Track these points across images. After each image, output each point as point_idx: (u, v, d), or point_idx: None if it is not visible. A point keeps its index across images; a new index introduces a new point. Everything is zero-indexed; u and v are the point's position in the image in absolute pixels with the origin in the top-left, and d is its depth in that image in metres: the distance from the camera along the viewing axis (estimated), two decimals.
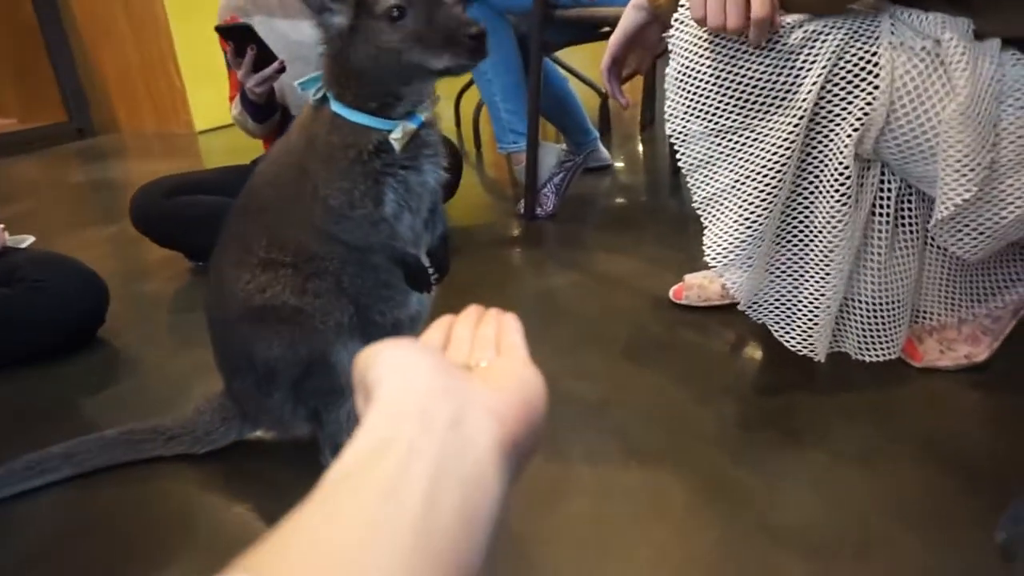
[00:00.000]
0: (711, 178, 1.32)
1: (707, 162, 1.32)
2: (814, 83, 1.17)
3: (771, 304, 1.38)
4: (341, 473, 0.35)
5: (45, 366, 1.74)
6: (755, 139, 1.24)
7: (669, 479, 1.17)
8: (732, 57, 1.20)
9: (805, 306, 1.33)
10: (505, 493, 0.38)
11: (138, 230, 2.26)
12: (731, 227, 1.30)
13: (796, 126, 1.19)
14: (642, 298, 1.84)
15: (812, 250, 1.30)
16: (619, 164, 3.22)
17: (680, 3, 1.24)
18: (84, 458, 1.25)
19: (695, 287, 1.77)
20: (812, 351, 1.34)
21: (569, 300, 1.90)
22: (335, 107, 1.07)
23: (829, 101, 1.19)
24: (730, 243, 1.30)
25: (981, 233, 1.18)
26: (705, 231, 1.34)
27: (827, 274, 1.29)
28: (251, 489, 1.24)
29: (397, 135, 1.06)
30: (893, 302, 1.33)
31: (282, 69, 2.02)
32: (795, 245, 1.31)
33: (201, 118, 5.05)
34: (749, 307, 1.38)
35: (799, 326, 1.35)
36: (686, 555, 1.02)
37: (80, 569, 1.10)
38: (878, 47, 1.15)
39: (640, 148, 3.58)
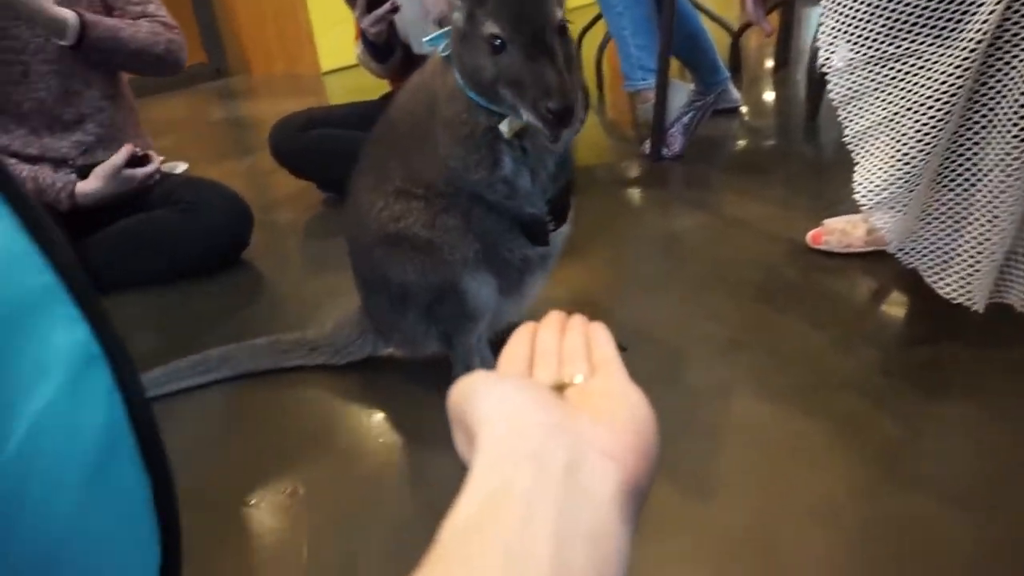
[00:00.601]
0: (866, 111, 1.23)
1: (863, 93, 1.23)
2: (998, 1, 1.05)
3: (926, 249, 1.28)
4: (458, 529, 0.33)
5: (199, 281, 1.88)
6: (921, 67, 1.14)
7: (803, 420, 1.14)
8: None
9: (966, 252, 1.23)
10: (630, 543, 0.35)
11: (276, 161, 2.37)
12: (886, 164, 1.21)
13: (972, 51, 1.08)
14: (775, 242, 1.77)
15: (978, 191, 1.19)
16: (748, 106, 3.07)
17: None
18: (238, 362, 1.36)
19: (836, 232, 1.67)
20: (970, 300, 1.25)
21: (696, 242, 1.85)
22: (456, 75, 1.05)
23: (1016, 23, 1.07)
24: (883, 181, 1.21)
25: None
26: (856, 168, 1.26)
27: (994, 217, 1.18)
28: (387, 401, 1.30)
29: (504, 128, 1.03)
30: None
31: (395, 9, 2.03)
32: (959, 185, 1.21)
33: (326, 59, 5.20)
34: (900, 251, 1.29)
35: (957, 273, 1.25)
36: (820, 494, 0.99)
37: (238, 460, 1.20)
38: None
39: (772, 90, 3.39)
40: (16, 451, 0.54)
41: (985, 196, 1.18)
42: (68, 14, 1.72)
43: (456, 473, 0.37)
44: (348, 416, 1.29)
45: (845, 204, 1.59)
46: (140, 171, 1.87)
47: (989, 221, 1.18)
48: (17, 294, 0.55)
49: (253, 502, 1.08)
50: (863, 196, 1.24)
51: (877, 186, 1.20)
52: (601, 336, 0.51)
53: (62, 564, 0.58)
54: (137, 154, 1.87)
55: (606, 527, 0.33)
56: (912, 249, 1.29)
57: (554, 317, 0.55)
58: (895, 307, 1.48)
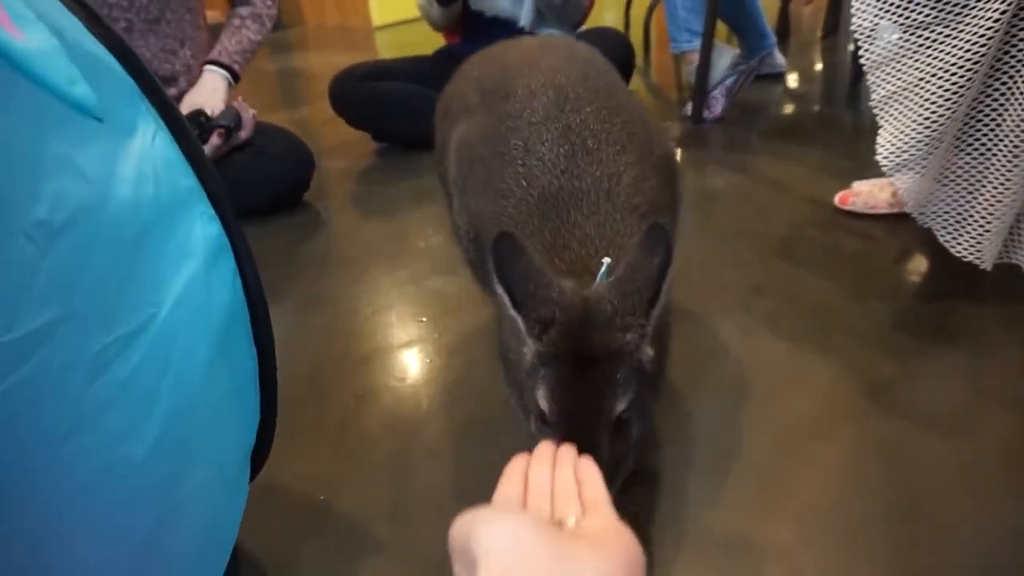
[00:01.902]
0: (894, 76, 1.31)
1: (892, 59, 1.31)
2: None
3: (941, 210, 1.37)
4: None
5: (261, 221, 2.05)
6: (948, 34, 1.22)
7: (812, 360, 1.25)
8: None
9: (979, 214, 1.32)
10: None
11: (335, 109, 2.51)
12: (909, 127, 1.30)
13: (996, 21, 1.16)
14: (804, 202, 1.86)
15: (995, 156, 1.27)
16: (794, 72, 3.10)
17: None
18: None
19: (863, 194, 1.76)
20: (979, 259, 1.34)
21: (729, 200, 1.95)
22: None
23: None
24: (906, 143, 1.30)
25: None
26: (879, 131, 1.35)
27: (1007, 181, 1.27)
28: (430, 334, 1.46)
29: None
30: None
31: None
32: (976, 150, 1.29)
33: (378, 14, 5.30)
34: (917, 211, 1.38)
35: (969, 234, 1.34)
36: (822, 422, 1.12)
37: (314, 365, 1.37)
38: None
39: (818, 57, 3.41)
40: (168, 314, 0.70)
41: (1000, 161, 1.26)
42: (223, 89, 1.96)
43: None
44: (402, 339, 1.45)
45: (875, 168, 1.68)
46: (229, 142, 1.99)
47: (1003, 184, 1.27)
48: (173, 191, 0.71)
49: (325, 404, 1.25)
50: (885, 158, 1.33)
51: (899, 148, 1.29)
52: (591, 474, 0.55)
53: (193, 417, 0.74)
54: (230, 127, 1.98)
55: None
56: (928, 210, 1.39)
57: (545, 452, 0.59)
58: (910, 266, 1.57)
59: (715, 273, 1.54)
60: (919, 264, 1.57)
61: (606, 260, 0.77)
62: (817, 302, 1.42)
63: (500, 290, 0.73)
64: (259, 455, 0.89)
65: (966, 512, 0.95)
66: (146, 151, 0.71)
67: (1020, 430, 1.08)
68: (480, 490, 1.08)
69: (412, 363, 1.34)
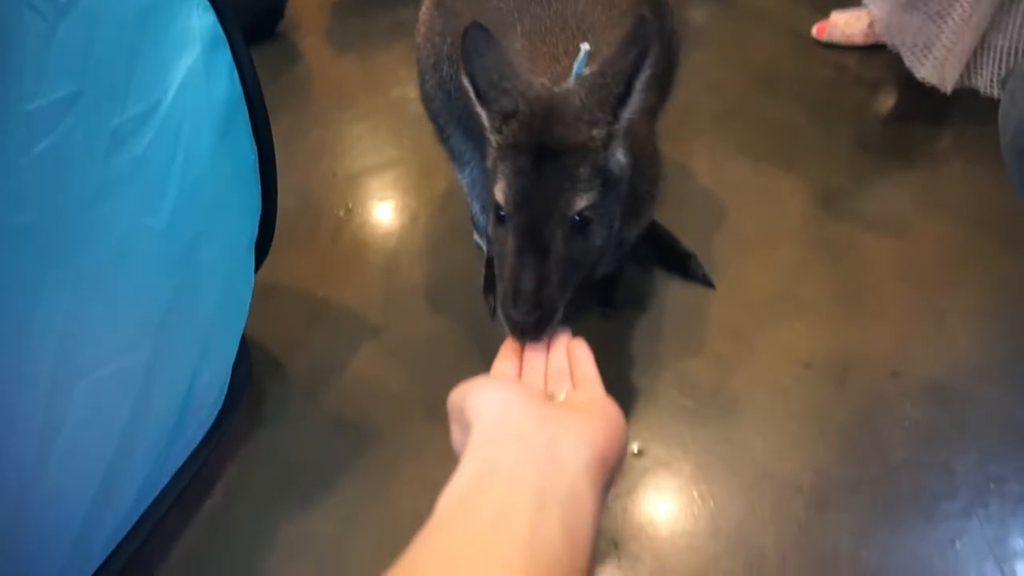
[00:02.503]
0: None
1: None
2: None
3: (911, 35, 1.41)
4: (455, 496, 0.39)
5: None
6: None
7: (776, 177, 1.34)
8: None
9: (946, 37, 1.36)
10: (600, 507, 0.41)
11: None
12: None
13: None
14: (783, 33, 1.87)
15: None
16: None
17: None
18: None
19: (839, 25, 1.77)
20: (941, 83, 1.40)
21: (708, 29, 1.95)
22: None
23: None
24: None
25: None
26: None
27: (972, 13, 1.30)
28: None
29: None
30: None
31: None
32: None
33: None
34: (888, 37, 1.43)
35: (935, 57, 1.39)
36: (779, 228, 1.22)
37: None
38: None
39: None
40: (173, 99, 0.75)
41: None
42: None
43: None
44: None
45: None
46: None
47: (968, 11, 1.31)
48: None
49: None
50: None
51: None
52: (582, 354, 0.56)
53: (202, 197, 0.81)
54: None
55: (578, 492, 0.39)
56: (898, 36, 1.43)
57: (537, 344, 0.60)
58: (878, 94, 1.62)
59: (692, 97, 1.58)
60: (886, 91, 1.62)
61: (584, 46, 0.73)
62: (786, 125, 1.49)
63: (466, 83, 0.72)
64: (261, 247, 0.97)
65: (900, 298, 1.08)
66: None
67: (957, 235, 1.19)
68: (461, 284, 1.18)
69: (398, 180, 1.41)
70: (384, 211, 1.33)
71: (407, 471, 0.90)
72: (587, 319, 1.07)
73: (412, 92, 1.69)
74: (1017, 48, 1.35)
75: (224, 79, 0.82)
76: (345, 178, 1.41)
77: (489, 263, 1.15)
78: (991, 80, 1.41)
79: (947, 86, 1.40)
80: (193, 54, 0.78)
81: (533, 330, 0.62)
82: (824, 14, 1.85)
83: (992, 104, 1.43)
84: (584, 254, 0.73)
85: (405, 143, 1.48)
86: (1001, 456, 0.86)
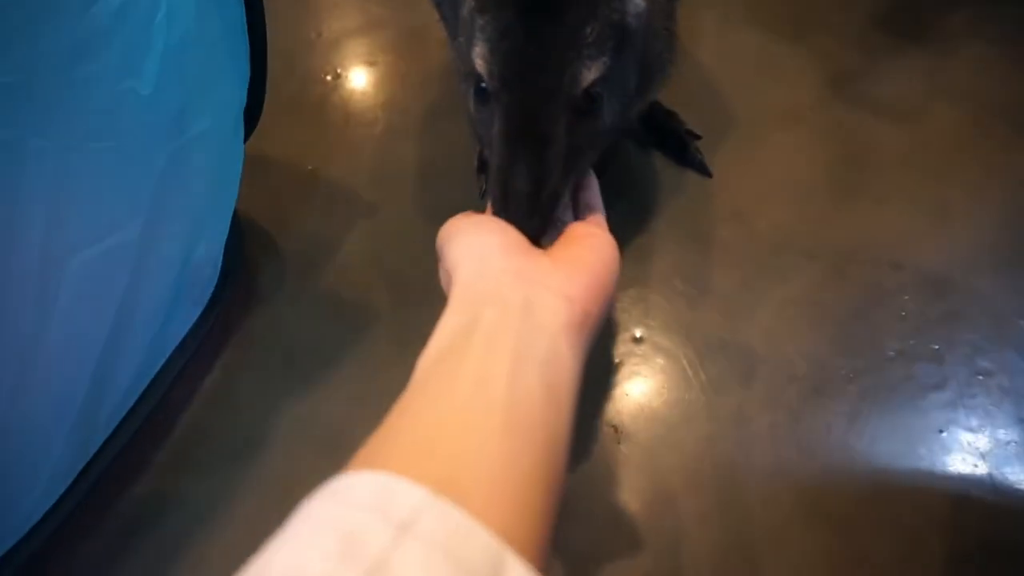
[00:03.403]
0: None
1: None
2: None
3: None
4: (434, 358, 0.39)
5: None
6: None
7: (782, 49, 1.27)
8: None
9: None
10: (582, 363, 0.41)
11: None
12: None
13: None
14: None
15: None
16: None
17: None
18: None
19: None
20: None
21: None
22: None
23: None
24: None
25: None
26: None
27: None
28: None
29: None
30: None
31: None
32: None
33: None
34: None
35: None
36: (787, 110, 1.17)
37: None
38: None
39: None
40: None
41: None
42: None
43: None
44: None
45: None
46: None
47: None
48: None
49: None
50: None
51: None
52: (588, 182, 0.56)
53: (190, 58, 0.74)
54: None
55: (556, 353, 0.39)
56: None
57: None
58: None
59: None
60: None
61: None
62: None
63: None
64: (251, 113, 0.91)
65: (905, 185, 1.06)
66: None
67: (965, 121, 1.16)
68: (454, 160, 1.13)
69: (387, 41, 1.31)
70: (374, 76, 1.25)
71: (408, 350, 0.89)
72: None
73: None
74: None
75: None
76: (330, 39, 1.30)
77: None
78: None
79: None
80: None
81: (531, 237, 0.51)
82: None
83: None
84: (592, 139, 0.58)
85: (394, 1, 1.36)
86: (990, 350, 0.88)
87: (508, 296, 0.41)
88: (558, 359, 0.39)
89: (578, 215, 0.57)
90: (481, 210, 0.56)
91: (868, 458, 0.81)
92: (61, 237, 0.66)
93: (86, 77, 0.64)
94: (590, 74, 0.54)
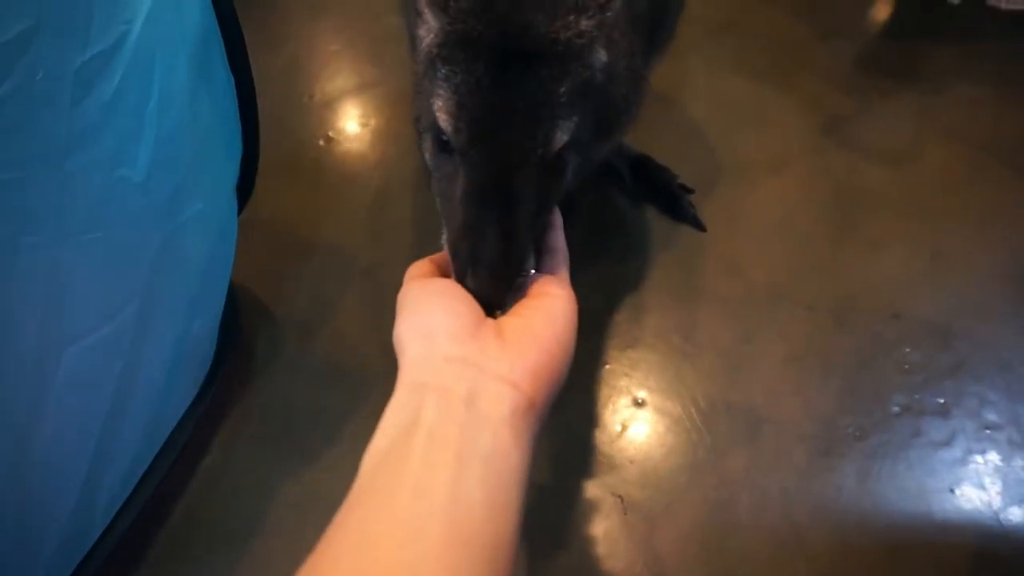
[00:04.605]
0: None
1: None
2: None
3: None
4: (377, 459, 0.39)
5: None
6: None
7: (775, 96, 1.28)
8: None
9: None
10: (529, 450, 0.41)
11: None
12: None
13: None
14: None
15: None
16: None
17: None
18: None
19: None
20: None
21: None
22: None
23: None
24: None
25: None
26: None
27: None
28: None
29: None
30: None
31: None
32: None
33: None
34: None
35: None
36: (779, 155, 1.18)
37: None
38: None
39: None
40: (141, 31, 0.67)
41: None
42: None
43: None
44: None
45: None
46: None
47: None
48: None
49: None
50: None
51: None
52: (554, 223, 0.55)
53: (182, 142, 0.73)
54: None
55: (501, 447, 0.39)
56: None
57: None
58: (876, 5, 1.55)
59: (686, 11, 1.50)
60: (882, 3, 1.55)
61: None
62: (783, 39, 1.42)
63: None
64: (243, 188, 0.90)
65: (900, 231, 1.06)
66: None
67: (958, 162, 1.16)
68: None
69: (378, 104, 1.32)
70: (367, 138, 1.25)
71: None
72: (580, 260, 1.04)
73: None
74: None
75: (195, 8, 0.73)
76: (322, 101, 1.31)
77: None
78: None
79: None
80: None
81: (499, 300, 0.50)
82: None
83: (997, 18, 1.39)
84: (556, 193, 0.55)
85: (386, 61, 1.37)
86: (997, 402, 0.88)
87: (452, 386, 0.41)
88: (501, 452, 0.39)
89: (539, 260, 0.54)
90: None
91: (880, 520, 0.79)
92: (56, 330, 0.65)
93: (78, 169, 0.64)
94: (563, 135, 0.52)
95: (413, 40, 0.91)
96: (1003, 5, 1.36)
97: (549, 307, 0.47)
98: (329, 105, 1.30)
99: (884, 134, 1.22)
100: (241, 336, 0.96)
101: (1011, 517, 0.79)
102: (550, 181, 0.53)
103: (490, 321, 0.47)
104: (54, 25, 0.60)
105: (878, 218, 1.09)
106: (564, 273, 0.52)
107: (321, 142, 1.23)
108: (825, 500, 0.81)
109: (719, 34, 1.43)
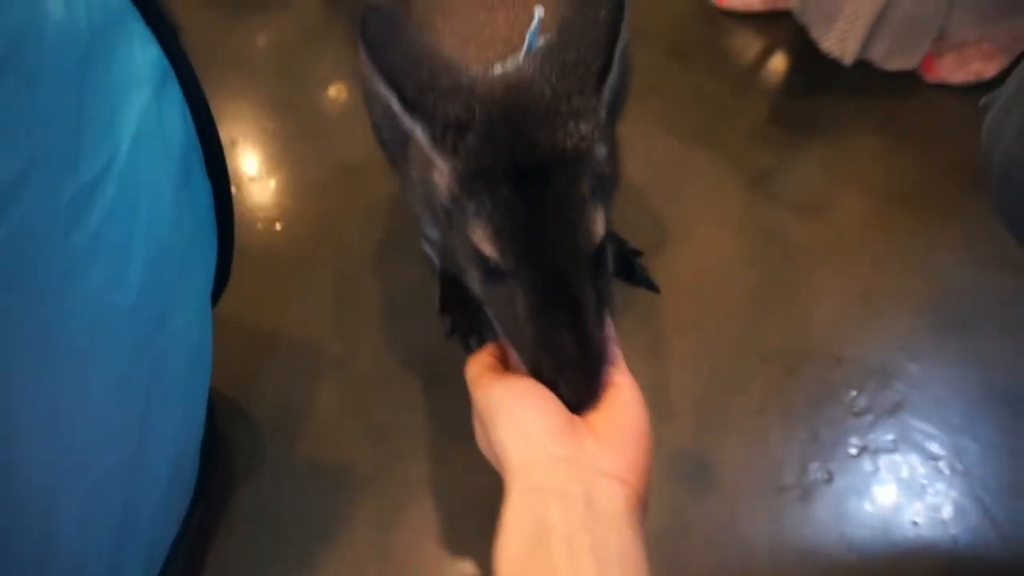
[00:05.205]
0: None
1: None
2: None
3: (817, 8, 1.48)
4: (517, 559, 0.41)
5: None
6: None
7: (701, 156, 1.38)
8: None
9: (848, 12, 1.43)
10: (643, 545, 0.42)
11: None
12: None
13: None
14: (684, 2, 1.89)
15: None
16: None
17: None
18: None
19: None
20: (842, 55, 1.48)
21: None
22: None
23: None
24: None
25: None
26: None
27: None
28: None
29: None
30: (926, 16, 1.44)
31: None
32: None
33: None
34: (798, 10, 1.48)
35: (837, 32, 1.46)
36: (713, 212, 1.27)
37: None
38: None
39: None
40: (127, 154, 0.66)
41: None
42: None
43: None
44: None
45: None
46: None
47: None
48: (105, 10, 0.63)
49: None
50: None
51: None
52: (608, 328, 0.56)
53: (169, 260, 0.73)
54: None
55: (627, 544, 0.41)
56: (806, 8, 1.49)
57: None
58: (782, 63, 1.69)
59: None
60: (791, 61, 1.69)
61: (538, 10, 0.57)
62: (703, 100, 1.52)
63: (384, 88, 0.52)
64: (217, 289, 0.89)
65: (830, 280, 1.17)
66: None
67: (868, 211, 1.29)
68: (415, 297, 1.12)
69: (324, 183, 1.32)
70: (316, 220, 1.25)
71: (409, 512, 0.89)
72: None
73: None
74: (913, 17, 1.44)
75: (177, 119, 0.73)
76: (264, 184, 1.30)
77: (444, 278, 1.11)
78: (884, 53, 1.52)
79: (848, 59, 1.49)
80: (142, 98, 0.68)
81: (593, 400, 0.50)
82: None
83: (886, 76, 1.55)
84: (606, 283, 0.57)
85: (328, 136, 1.37)
86: (937, 435, 0.97)
87: (567, 488, 0.42)
88: (629, 549, 0.41)
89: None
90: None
91: (854, 559, 0.87)
92: (63, 468, 0.62)
93: (71, 302, 0.62)
94: (601, 228, 0.54)
95: (378, 128, 0.94)
96: (887, 65, 1.52)
97: (626, 400, 0.49)
98: (272, 188, 1.29)
99: (801, 186, 1.34)
100: (220, 440, 0.93)
101: (966, 540, 0.88)
102: (599, 273, 0.55)
103: (578, 418, 0.48)
104: (47, 162, 0.59)
105: (810, 268, 1.19)
106: (623, 361, 0.53)
107: (277, 226, 1.22)
108: (807, 547, 0.87)
109: (646, 98, 1.52)
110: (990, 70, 1.51)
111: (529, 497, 0.43)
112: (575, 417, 0.48)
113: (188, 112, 0.74)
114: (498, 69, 0.57)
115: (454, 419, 0.99)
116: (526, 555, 0.41)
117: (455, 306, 1.09)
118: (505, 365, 0.57)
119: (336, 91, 1.49)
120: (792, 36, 1.63)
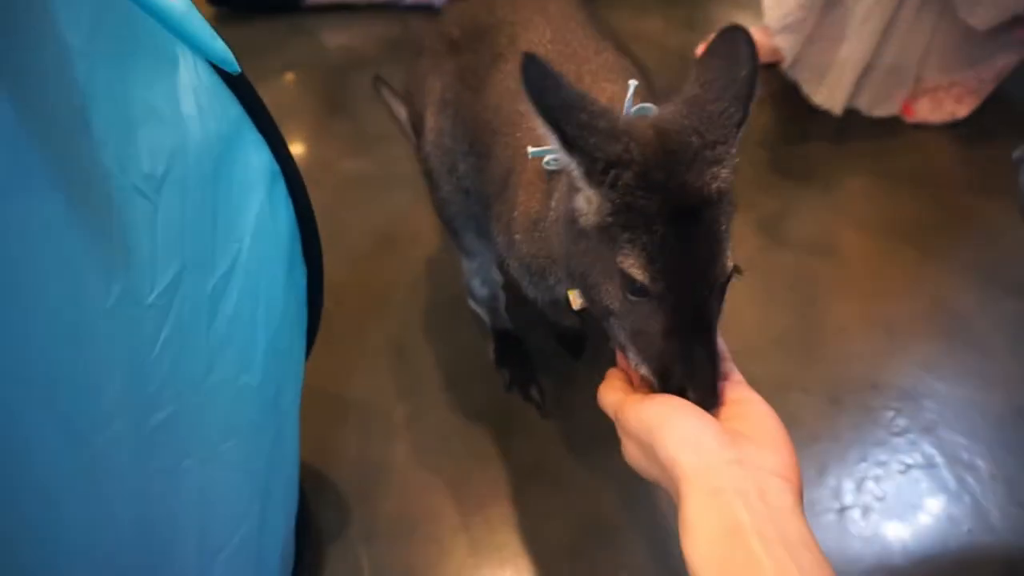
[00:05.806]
0: None
1: None
2: None
3: (808, 65, 1.61)
4: (718, 564, 0.45)
5: None
6: None
7: None
8: None
9: (836, 64, 1.57)
10: None
11: None
12: None
13: None
14: (669, 54, 2.02)
15: (853, 16, 1.50)
16: None
17: None
18: None
19: None
20: (832, 106, 1.61)
21: None
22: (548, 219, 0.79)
23: None
24: (788, 8, 1.51)
25: (995, 5, 1.40)
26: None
27: (861, 38, 1.51)
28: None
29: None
30: (905, 66, 1.58)
31: None
32: (840, 12, 1.52)
33: None
34: (790, 67, 1.62)
35: (828, 85, 1.60)
36: (742, 261, 1.35)
37: None
38: None
39: None
40: (249, 247, 0.72)
41: (858, 19, 1.50)
42: None
43: None
44: None
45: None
46: None
47: (858, 40, 1.51)
48: (227, 121, 0.70)
49: None
50: (773, 21, 1.52)
51: (784, 13, 1.49)
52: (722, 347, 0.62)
53: (282, 338, 0.79)
54: None
55: (806, 533, 0.45)
56: (798, 66, 1.62)
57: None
58: (779, 116, 1.81)
59: None
60: (783, 112, 1.80)
61: (632, 82, 0.64)
62: None
63: (544, 129, 0.58)
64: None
65: (852, 314, 1.26)
66: (195, 83, 0.68)
67: (874, 247, 1.40)
68: (474, 359, 1.18)
69: (374, 258, 1.38)
70: (370, 292, 1.31)
71: (503, 553, 0.94)
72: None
73: (390, 151, 1.63)
74: (894, 67, 1.58)
75: (283, 213, 0.79)
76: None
77: (497, 334, 1.18)
78: (869, 101, 1.65)
79: (837, 109, 1.62)
80: (259, 197, 0.75)
81: (717, 406, 0.58)
82: (702, 35, 2.02)
83: (871, 120, 1.67)
84: (722, 305, 0.64)
85: (366, 214, 1.45)
86: (972, 447, 1.05)
87: (745, 488, 0.46)
88: (807, 536, 0.45)
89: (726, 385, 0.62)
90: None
91: (918, 571, 0.93)
92: (210, 543, 0.67)
93: (214, 387, 0.67)
94: (731, 263, 0.61)
95: (413, 126, 1.07)
96: (872, 112, 1.66)
97: (762, 410, 0.54)
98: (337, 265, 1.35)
99: (812, 230, 1.44)
100: (308, 508, 0.97)
101: (1018, 542, 0.95)
102: (722, 297, 0.63)
103: (729, 426, 0.53)
104: (194, 261, 0.65)
105: (833, 304, 1.28)
106: (742, 377, 0.60)
107: (330, 306, 1.27)
108: (873, 561, 0.94)
109: None
110: (963, 110, 1.65)
111: (713, 498, 0.46)
112: (729, 427, 0.53)
113: (291, 206, 0.81)
114: (629, 114, 0.63)
115: (526, 464, 1.05)
116: (725, 550, 0.44)
117: (511, 359, 1.17)
118: (631, 386, 0.64)
119: (355, 164, 1.58)
120: (778, 86, 1.76)
